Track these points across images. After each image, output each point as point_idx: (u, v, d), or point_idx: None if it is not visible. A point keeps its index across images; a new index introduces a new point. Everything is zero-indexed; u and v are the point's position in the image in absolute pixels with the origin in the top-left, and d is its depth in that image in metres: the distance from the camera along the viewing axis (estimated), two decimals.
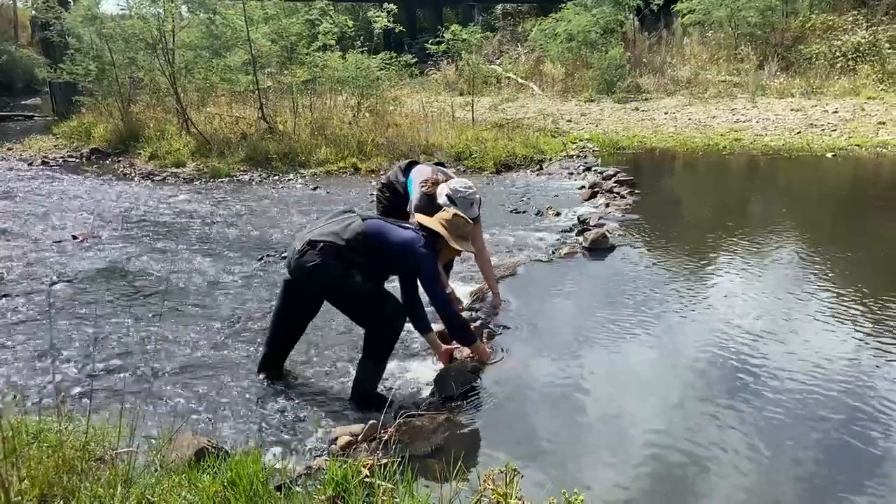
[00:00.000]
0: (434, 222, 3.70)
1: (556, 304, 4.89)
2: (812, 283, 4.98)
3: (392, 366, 3.98)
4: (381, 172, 9.34)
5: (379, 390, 3.62)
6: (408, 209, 4.52)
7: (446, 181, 4.42)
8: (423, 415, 3.25)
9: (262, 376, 3.84)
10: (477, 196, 4.41)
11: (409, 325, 3.76)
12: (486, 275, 4.79)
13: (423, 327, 3.74)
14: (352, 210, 3.77)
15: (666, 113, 14.83)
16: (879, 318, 4.25)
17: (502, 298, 4.79)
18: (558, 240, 6.47)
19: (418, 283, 3.67)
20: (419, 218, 3.81)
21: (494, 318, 4.53)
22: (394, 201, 4.70)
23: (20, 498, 2.05)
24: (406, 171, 4.68)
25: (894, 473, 2.77)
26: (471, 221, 3.90)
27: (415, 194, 4.44)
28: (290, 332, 3.90)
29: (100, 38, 13.50)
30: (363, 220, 3.60)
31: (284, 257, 5.62)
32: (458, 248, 3.68)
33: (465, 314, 4.32)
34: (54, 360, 4.10)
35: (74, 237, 6.98)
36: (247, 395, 3.68)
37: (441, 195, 4.30)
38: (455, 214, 3.77)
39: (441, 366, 3.84)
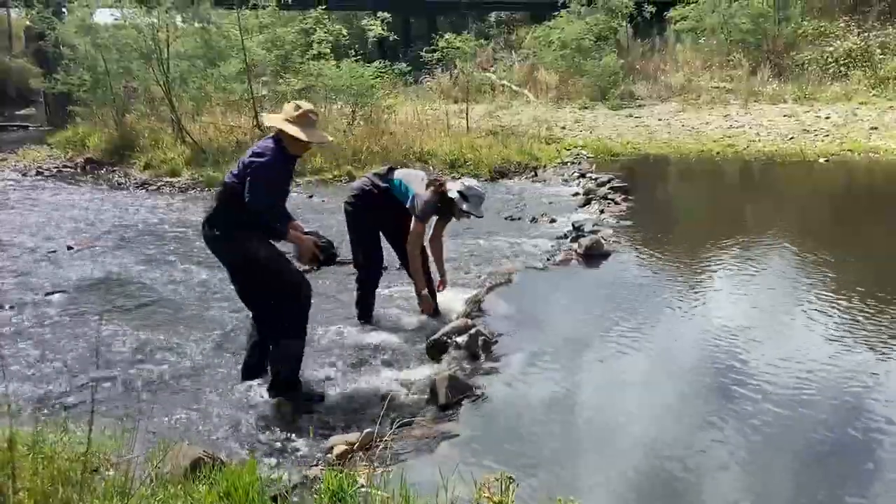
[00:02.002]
0: (276, 118, 3.56)
1: (550, 311, 4.90)
2: (805, 289, 5.00)
3: (388, 374, 3.99)
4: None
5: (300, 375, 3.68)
6: (408, 206, 4.53)
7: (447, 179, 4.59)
8: (418, 423, 3.25)
9: (251, 384, 3.82)
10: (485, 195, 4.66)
11: (410, 328, 3.77)
12: (437, 258, 4.89)
13: (278, 234, 3.58)
14: None
15: (659, 119, 14.89)
16: (874, 323, 4.27)
17: (487, 303, 4.84)
18: (553, 246, 6.48)
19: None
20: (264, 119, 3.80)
21: (487, 325, 4.53)
22: (368, 209, 4.66)
23: None
24: (386, 176, 4.70)
25: (889, 479, 2.78)
26: (316, 112, 3.71)
27: (420, 195, 4.47)
28: (253, 313, 3.83)
29: (94, 47, 13.49)
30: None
31: None
32: (303, 137, 3.47)
33: (461, 321, 4.32)
34: (49, 371, 4.09)
35: (69, 247, 6.97)
36: (242, 405, 3.67)
37: (452, 190, 4.49)
38: (297, 105, 3.56)
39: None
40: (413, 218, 4.51)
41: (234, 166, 3.63)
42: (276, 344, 3.64)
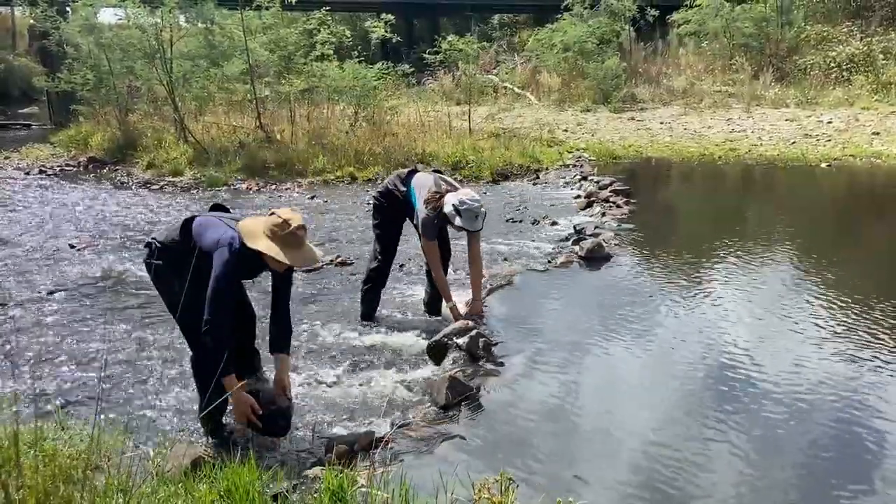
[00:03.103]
0: (257, 234, 3.06)
1: (551, 314, 4.90)
2: (807, 293, 5.01)
3: (388, 374, 3.99)
4: (378, 182, 9.36)
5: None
6: (414, 222, 4.55)
7: (450, 191, 4.46)
8: (418, 424, 3.26)
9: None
10: (483, 210, 4.42)
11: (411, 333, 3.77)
12: (474, 281, 4.75)
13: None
14: (197, 215, 3.38)
15: (661, 123, 14.91)
16: (875, 328, 4.27)
17: (485, 305, 4.82)
18: (554, 249, 6.49)
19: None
20: (242, 226, 3.15)
21: (488, 327, 4.54)
22: (392, 208, 4.71)
23: None
24: (406, 179, 4.68)
25: (889, 483, 2.78)
26: (303, 228, 3.11)
27: (420, 211, 4.45)
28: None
29: (98, 47, 13.54)
30: (193, 217, 3.29)
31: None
32: (285, 261, 3.02)
33: (462, 323, 4.33)
34: (50, 369, 4.10)
35: (72, 246, 6.98)
36: None
37: (448, 204, 4.35)
38: (285, 222, 3.03)
39: None
40: (421, 236, 4.51)
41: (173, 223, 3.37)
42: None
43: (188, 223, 3.24)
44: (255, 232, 3.05)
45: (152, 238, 3.36)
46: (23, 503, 2.05)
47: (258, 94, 12.90)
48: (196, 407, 3.42)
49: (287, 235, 3.02)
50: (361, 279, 4.95)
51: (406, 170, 4.85)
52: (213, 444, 3.20)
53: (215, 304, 2.97)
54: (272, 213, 3.12)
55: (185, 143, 12.54)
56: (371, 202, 4.90)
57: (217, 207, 3.57)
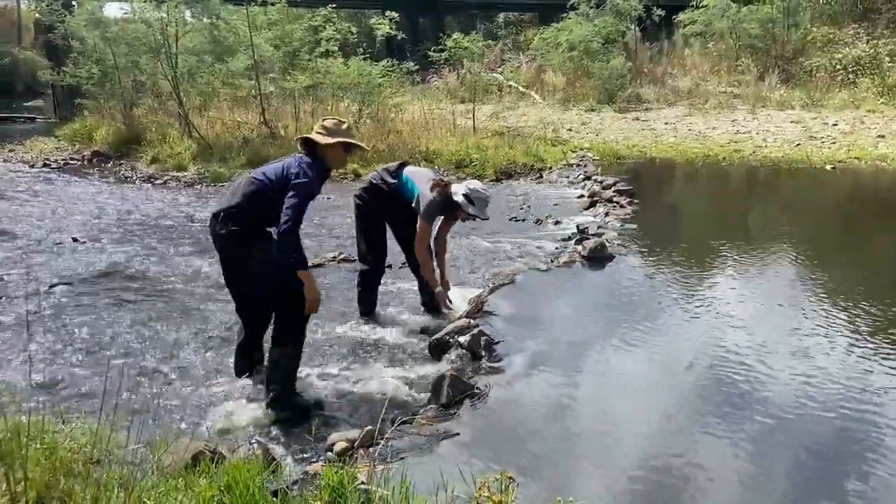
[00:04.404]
0: (311, 132, 3.68)
1: (553, 313, 4.90)
2: (810, 295, 4.99)
3: (389, 372, 3.99)
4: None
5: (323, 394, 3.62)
6: (414, 205, 4.56)
7: (451, 182, 4.58)
8: (419, 422, 3.25)
9: (248, 380, 3.82)
10: (490, 198, 4.64)
11: (405, 332, 3.76)
12: (442, 266, 4.88)
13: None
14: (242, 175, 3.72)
15: (666, 123, 14.88)
16: (877, 331, 4.26)
17: (490, 303, 4.84)
18: (557, 248, 6.48)
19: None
20: (298, 138, 3.80)
21: (489, 325, 4.53)
22: (376, 204, 4.71)
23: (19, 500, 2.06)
24: (397, 171, 4.70)
25: (889, 487, 2.77)
26: (344, 121, 3.79)
27: (424, 195, 4.48)
28: (251, 322, 3.79)
29: (103, 41, 13.57)
30: (249, 172, 3.62)
31: None
32: (334, 140, 3.59)
33: (463, 321, 4.33)
34: (52, 362, 4.10)
35: (75, 239, 6.99)
36: (245, 400, 3.68)
37: (457, 194, 4.47)
38: (327, 117, 3.77)
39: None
40: (419, 217, 4.53)
41: (258, 168, 3.66)
42: (270, 358, 3.57)
43: (244, 183, 3.51)
44: (326, 138, 3.57)
45: (225, 208, 3.47)
46: (24, 496, 2.06)
47: (262, 90, 12.92)
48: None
49: (348, 129, 3.72)
50: (356, 281, 4.93)
51: (395, 163, 4.87)
52: (213, 439, 3.20)
53: (295, 207, 3.35)
54: (322, 120, 3.71)
55: (189, 139, 12.56)
56: (353, 201, 4.83)
57: None
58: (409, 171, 4.70)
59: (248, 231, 3.47)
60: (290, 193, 3.37)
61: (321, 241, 7.08)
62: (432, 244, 4.79)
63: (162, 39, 12.58)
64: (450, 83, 19.38)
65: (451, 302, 4.81)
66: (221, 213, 3.48)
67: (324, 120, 3.72)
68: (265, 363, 3.72)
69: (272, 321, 3.62)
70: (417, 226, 4.55)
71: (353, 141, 3.70)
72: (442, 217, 4.75)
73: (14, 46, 32.42)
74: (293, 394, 3.58)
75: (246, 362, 3.86)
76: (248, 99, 13.84)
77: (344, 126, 3.70)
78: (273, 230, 3.44)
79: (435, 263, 4.80)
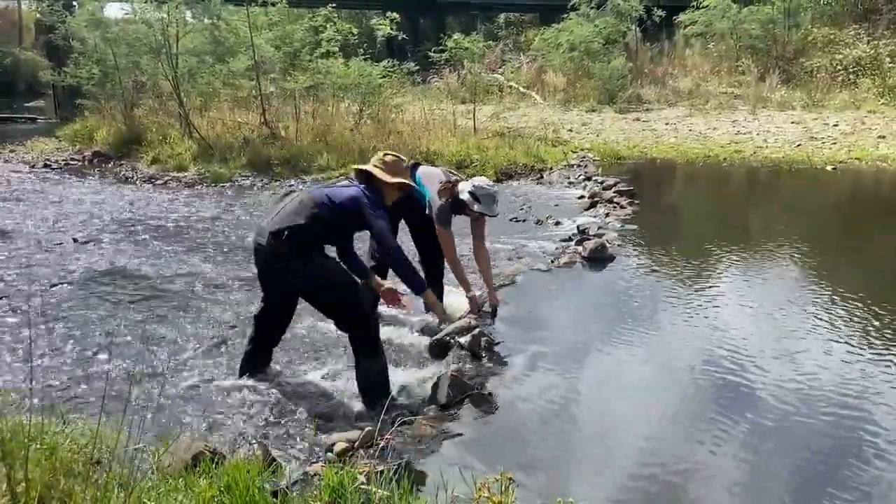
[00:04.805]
0: (368, 165, 3.77)
1: (554, 314, 4.90)
2: (810, 297, 4.99)
3: (390, 371, 3.98)
4: None
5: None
6: (427, 211, 4.55)
7: (460, 181, 4.54)
8: (419, 422, 3.25)
9: (249, 381, 3.84)
10: (498, 196, 4.56)
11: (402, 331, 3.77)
12: (483, 270, 4.81)
13: (364, 274, 3.88)
14: (293, 190, 3.82)
15: (667, 124, 14.87)
16: (878, 332, 4.26)
17: (499, 299, 4.81)
18: (557, 249, 6.48)
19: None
20: (354, 169, 3.86)
21: (491, 326, 4.53)
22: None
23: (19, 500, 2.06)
24: (410, 172, 4.68)
25: (887, 489, 2.77)
26: (404, 159, 3.92)
27: (435, 200, 4.47)
28: (269, 330, 3.88)
29: (104, 41, 13.58)
30: (309, 193, 3.63)
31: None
32: (393, 179, 3.70)
33: (464, 321, 4.33)
34: (52, 362, 4.11)
35: (75, 240, 7.00)
36: (245, 400, 3.68)
37: (464, 192, 4.43)
38: (386, 153, 3.83)
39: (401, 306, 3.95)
40: (435, 224, 4.52)
41: (317, 188, 3.74)
42: (361, 368, 3.66)
43: (308, 204, 3.52)
44: (380, 175, 3.69)
45: (277, 229, 3.46)
46: (24, 496, 2.06)
47: (263, 91, 12.91)
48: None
49: (405, 167, 3.87)
50: None
51: (410, 162, 4.85)
52: (214, 439, 3.21)
53: (387, 235, 3.61)
54: (383, 155, 3.81)
55: (189, 139, 12.56)
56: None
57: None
58: (421, 171, 4.67)
59: (308, 250, 3.50)
60: (373, 226, 3.57)
61: None
62: (473, 252, 4.83)
63: (162, 40, 12.58)
64: (450, 84, 19.35)
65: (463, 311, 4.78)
66: (285, 232, 3.43)
67: (384, 155, 3.79)
68: (269, 366, 3.92)
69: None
70: (437, 232, 4.55)
71: (411, 184, 3.87)
72: (462, 216, 4.69)
73: (15, 47, 32.47)
74: (387, 394, 3.60)
75: (251, 366, 3.89)
76: (248, 99, 13.83)
77: (403, 164, 3.83)
78: (333, 251, 3.70)
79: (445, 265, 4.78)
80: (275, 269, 3.59)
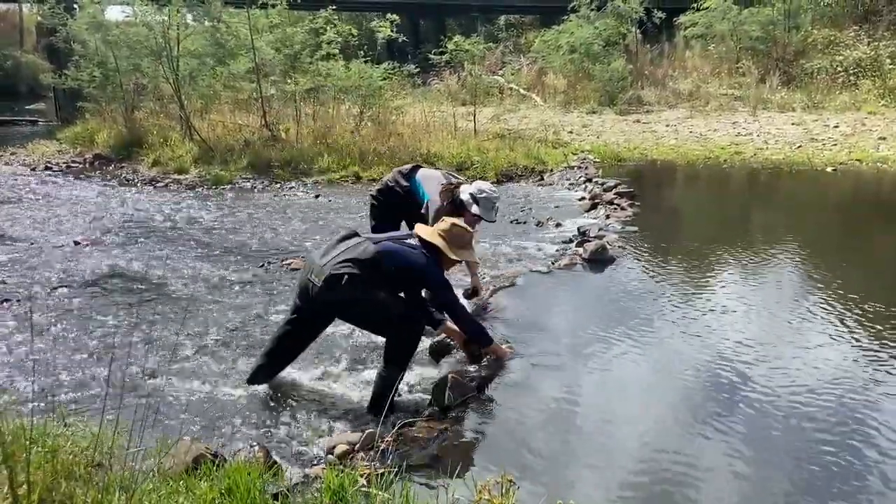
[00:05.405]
0: (433, 234, 3.74)
1: (554, 316, 4.90)
2: (811, 300, 4.99)
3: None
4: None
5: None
6: (423, 212, 4.53)
7: (462, 183, 4.54)
8: (420, 424, 3.26)
9: (254, 387, 3.84)
10: (499, 203, 4.55)
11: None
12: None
13: (436, 323, 3.93)
14: (355, 233, 3.80)
15: (667, 125, 14.88)
16: (879, 336, 4.25)
17: (493, 303, 4.83)
18: (558, 251, 6.48)
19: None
20: (419, 230, 3.83)
21: (490, 327, 4.53)
22: (391, 205, 4.71)
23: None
24: (409, 174, 4.70)
25: (887, 492, 2.77)
26: (470, 230, 3.92)
27: (434, 202, 4.47)
28: (291, 350, 3.89)
29: (105, 44, 13.60)
30: (374, 243, 3.63)
31: (294, 270, 5.67)
32: (456, 258, 3.76)
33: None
34: (54, 365, 4.11)
35: (76, 242, 7.01)
36: (246, 403, 3.69)
37: (465, 193, 4.42)
38: (454, 224, 3.80)
39: (461, 353, 4.06)
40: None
41: (380, 239, 3.76)
42: (378, 372, 3.68)
43: (374, 253, 3.55)
44: (432, 235, 3.74)
45: (339, 269, 3.46)
46: (25, 498, 2.06)
47: (264, 93, 12.93)
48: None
49: (470, 240, 3.90)
50: None
51: (408, 165, 4.87)
52: (214, 442, 3.21)
53: (457, 307, 3.79)
54: (450, 226, 3.80)
55: (190, 141, 12.57)
56: (369, 201, 4.89)
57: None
58: (421, 174, 4.68)
59: (365, 290, 3.50)
60: (438, 296, 3.77)
61: (324, 240, 7.07)
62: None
63: (163, 42, 12.60)
64: (451, 85, 19.36)
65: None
66: (345, 277, 3.42)
67: (453, 226, 3.78)
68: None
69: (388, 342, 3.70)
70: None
71: (476, 261, 4.12)
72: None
73: (16, 49, 32.53)
74: (382, 404, 3.57)
75: (262, 378, 3.88)
76: (249, 102, 13.85)
77: (469, 236, 3.87)
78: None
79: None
80: (324, 313, 3.70)
